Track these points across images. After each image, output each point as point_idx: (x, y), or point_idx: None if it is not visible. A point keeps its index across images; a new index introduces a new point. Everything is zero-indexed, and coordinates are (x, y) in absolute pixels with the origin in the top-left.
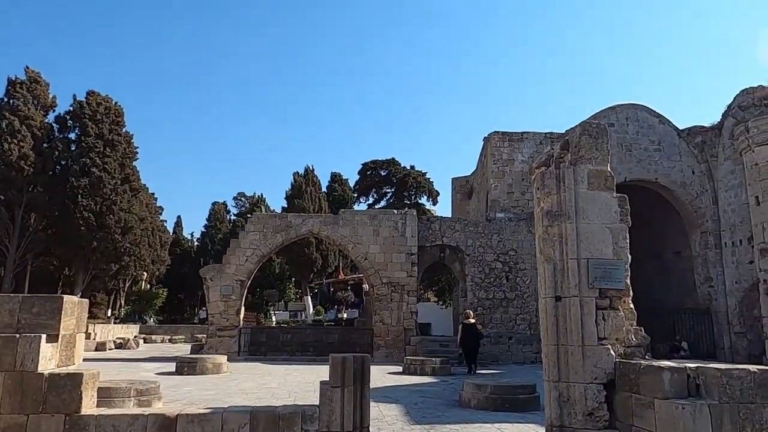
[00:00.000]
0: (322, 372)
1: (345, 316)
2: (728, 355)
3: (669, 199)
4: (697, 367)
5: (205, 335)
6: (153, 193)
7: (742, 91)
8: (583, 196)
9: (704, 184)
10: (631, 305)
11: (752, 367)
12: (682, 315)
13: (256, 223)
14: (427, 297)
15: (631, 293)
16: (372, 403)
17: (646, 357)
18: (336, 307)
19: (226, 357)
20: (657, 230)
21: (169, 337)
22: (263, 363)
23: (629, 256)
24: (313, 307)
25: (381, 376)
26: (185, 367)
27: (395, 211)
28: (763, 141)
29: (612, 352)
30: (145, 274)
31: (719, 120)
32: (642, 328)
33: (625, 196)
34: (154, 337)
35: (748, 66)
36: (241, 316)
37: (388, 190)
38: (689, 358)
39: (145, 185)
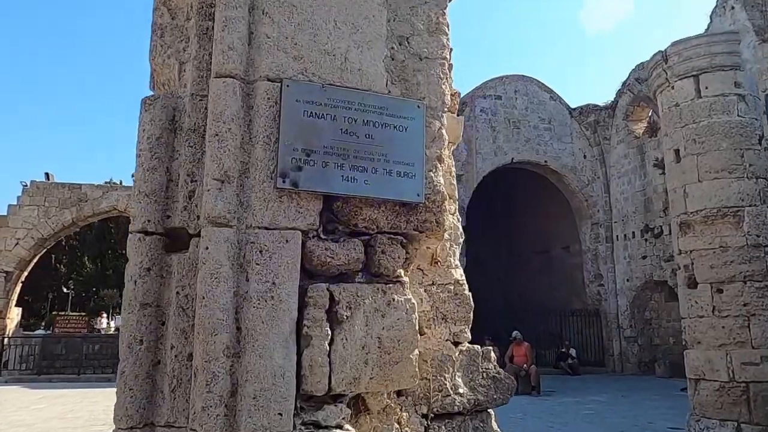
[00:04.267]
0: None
1: None
2: (617, 363)
3: (559, 186)
4: None
5: None
6: None
7: (638, 65)
8: None
9: (596, 169)
10: (460, 275)
11: None
12: (570, 317)
13: (35, 194)
14: None
15: (461, 237)
16: None
17: None
18: None
19: None
20: (545, 222)
21: None
22: (31, 387)
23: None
24: None
25: None
26: None
27: None
28: (687, 72)
29: None
30: None
31: (613, 98)
32: (494, 350)
33: None
34: None
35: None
36: (13, 320)
37: None
38: (577, 368)
39: None
